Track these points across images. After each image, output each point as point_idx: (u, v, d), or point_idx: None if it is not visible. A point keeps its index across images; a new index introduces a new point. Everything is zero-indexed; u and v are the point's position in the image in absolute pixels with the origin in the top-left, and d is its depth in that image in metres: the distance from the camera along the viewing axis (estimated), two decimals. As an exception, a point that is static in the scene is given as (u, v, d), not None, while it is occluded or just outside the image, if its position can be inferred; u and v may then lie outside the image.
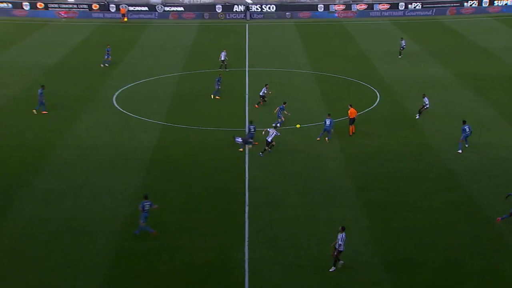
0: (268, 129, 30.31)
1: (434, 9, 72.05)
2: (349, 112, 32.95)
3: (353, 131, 32.65)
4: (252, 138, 30.82)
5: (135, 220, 23.64)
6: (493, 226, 23.27)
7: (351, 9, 72.77)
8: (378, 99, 39.12)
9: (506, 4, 71.67)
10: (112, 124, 34.98)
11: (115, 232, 23.13)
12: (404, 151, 30.60)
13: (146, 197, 23.20)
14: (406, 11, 72.37)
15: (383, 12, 72.43)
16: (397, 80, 43.54)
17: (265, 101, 37.44)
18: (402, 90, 41.01)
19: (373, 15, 72.30)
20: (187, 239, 22.80)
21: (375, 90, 41.12)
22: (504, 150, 30.41)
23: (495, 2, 71.96)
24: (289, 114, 34.55)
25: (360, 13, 72.50)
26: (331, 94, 40.67)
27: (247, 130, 31.22)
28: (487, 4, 72.05)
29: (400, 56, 50.21)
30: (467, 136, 30.62)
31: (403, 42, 50.75)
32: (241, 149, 30.80)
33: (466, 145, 30.75)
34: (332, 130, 31.74)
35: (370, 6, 73.00)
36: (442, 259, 21.29)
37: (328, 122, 31.50)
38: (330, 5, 72.85)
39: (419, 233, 22.94)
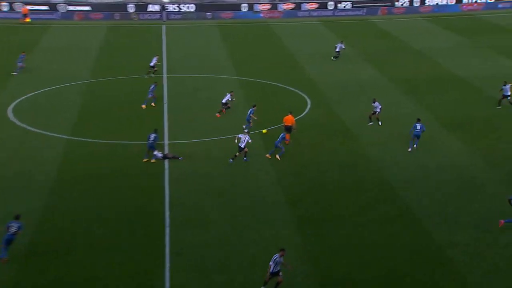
0: (240, 135, 30.61)
1: (365, 8, 74.47)
2: (284, 118, 33.33)
3: (288, 142, 33.01)
4: (152, 147, 30.65)
5: (38, 248, 22.63)
6: (433, 239, 24.04)
7: (277, 9, 73.90)
8: (308, 106, 39.76)
9: (437, 4, 75.18)
10: (9, 139, 33.56)
11: (16, 263, 22.07)
12: (338, 161, 31.17)
13: (17, 218, 22.43)
14: (336, 11, 74.36)
15: (311, 12, 74.07)
16: (328, 85, 44.47)
17: (228, 107, 37.60)
18: (334, 95, 41.91)
19: (301, 15, 73.75)
20: (100, 267, 22.07)
21: (305, 96, 41.80)
22: (442, 157, 31.60)
23: (426, 1, 75.33)
24: (256, 118, 34.65)
25: (287, 13, 73.77)
26: (258, 101, 40.93)
27: (147, 138, 30.99)
28: (419, 3, 75.29)
29: (333, 59, 51.34)
30: (417, 135, 32.12)
31: (341, 45, 51.73)
32: (152, 160, 30.53)
33: (415, 146, 32.22)
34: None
35: (298, 6, 74.45)
36: (381, 276, 21.73)
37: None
38: (254, 5, 73.67)
39: (356, 249, 23.34)
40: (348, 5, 74.93)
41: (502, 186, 27.93)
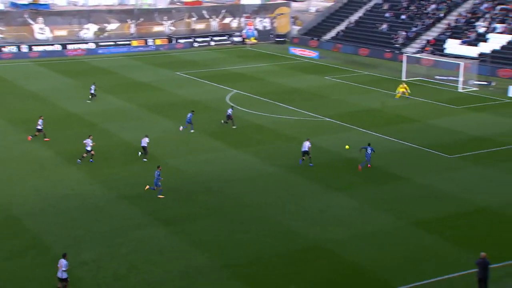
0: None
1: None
2: None
3: None
4: None
5: None
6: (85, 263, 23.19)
7: None
8: None
9: (44, 50, 73.80)
10: None
11: None
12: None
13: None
14: None
15: None
16: None
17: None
18: None
19: None
20: None
21: None
22: (65, 188, 30.83)
23: (34, 48, 73.27)
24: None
25: None
26: None
27: None
28: (27, 49, 72.68)
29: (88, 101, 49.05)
30: (188, 122, 40.38)
31: (93, 87, 49.23)
32: None
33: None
34: None
35: None
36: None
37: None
38: None
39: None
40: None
41: (123, 206, 28.75)
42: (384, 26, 75.96)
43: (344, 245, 24.83)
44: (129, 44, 78.62)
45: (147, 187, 30.00)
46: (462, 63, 55.21)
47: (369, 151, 32.94)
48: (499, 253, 23.62)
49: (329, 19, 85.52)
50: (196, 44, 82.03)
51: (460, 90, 53.83)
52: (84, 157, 33.97)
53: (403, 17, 76.06)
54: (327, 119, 44.49)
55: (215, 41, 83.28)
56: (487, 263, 20.80)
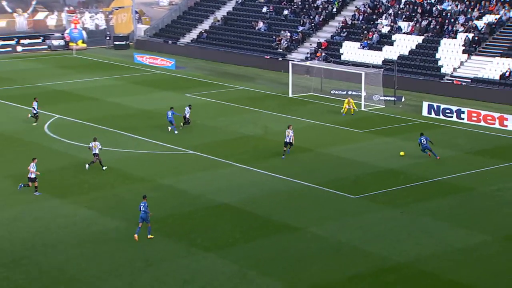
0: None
1: None
2: None
3: None
4: None
5: None
6: None
7: None
8: None
9: None
10: None
11: None
12: None
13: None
14: None
15: None
16: None
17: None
18: None
19: None
20: None
21: None
22: None
23: None
24: None
25: None
26: None
27: None
28: None
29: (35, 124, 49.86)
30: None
31: (36, 104, 50.30)
32: None
33: None
34: None
35: None
36: None
37: None
38: None
39: None
40: None
41: None
42: (262, 25, 78.47)
43: (218, 326, 24.70)
44: None
45: (136, 236, 31.13)
46: (363, 73, 58.21)
47: (424, 141, 42.85)
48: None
49: (188, 15, 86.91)
50: (-7, 50, 79.72)
51: (363, 108, 56.62)
52: (29, 186, 36.86)
53: (285, 12, 79.15)
54: (191, 151, 44.63)
55: (23, 45, 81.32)
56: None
